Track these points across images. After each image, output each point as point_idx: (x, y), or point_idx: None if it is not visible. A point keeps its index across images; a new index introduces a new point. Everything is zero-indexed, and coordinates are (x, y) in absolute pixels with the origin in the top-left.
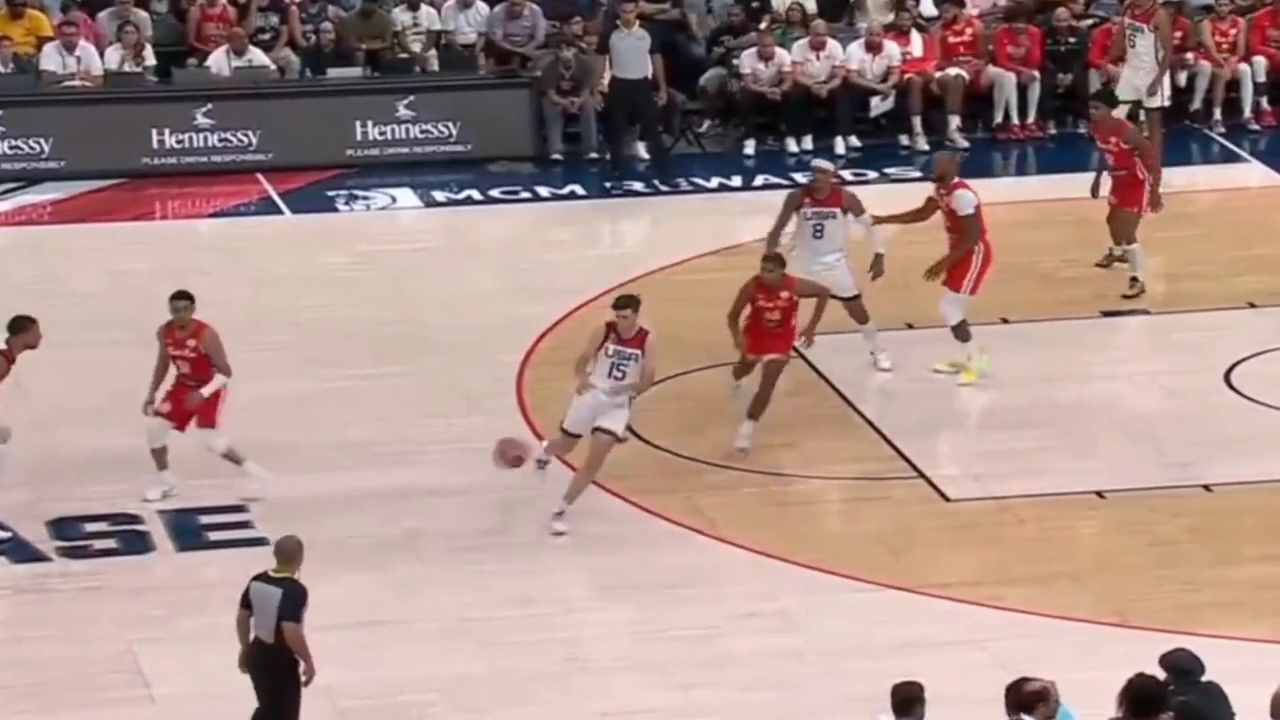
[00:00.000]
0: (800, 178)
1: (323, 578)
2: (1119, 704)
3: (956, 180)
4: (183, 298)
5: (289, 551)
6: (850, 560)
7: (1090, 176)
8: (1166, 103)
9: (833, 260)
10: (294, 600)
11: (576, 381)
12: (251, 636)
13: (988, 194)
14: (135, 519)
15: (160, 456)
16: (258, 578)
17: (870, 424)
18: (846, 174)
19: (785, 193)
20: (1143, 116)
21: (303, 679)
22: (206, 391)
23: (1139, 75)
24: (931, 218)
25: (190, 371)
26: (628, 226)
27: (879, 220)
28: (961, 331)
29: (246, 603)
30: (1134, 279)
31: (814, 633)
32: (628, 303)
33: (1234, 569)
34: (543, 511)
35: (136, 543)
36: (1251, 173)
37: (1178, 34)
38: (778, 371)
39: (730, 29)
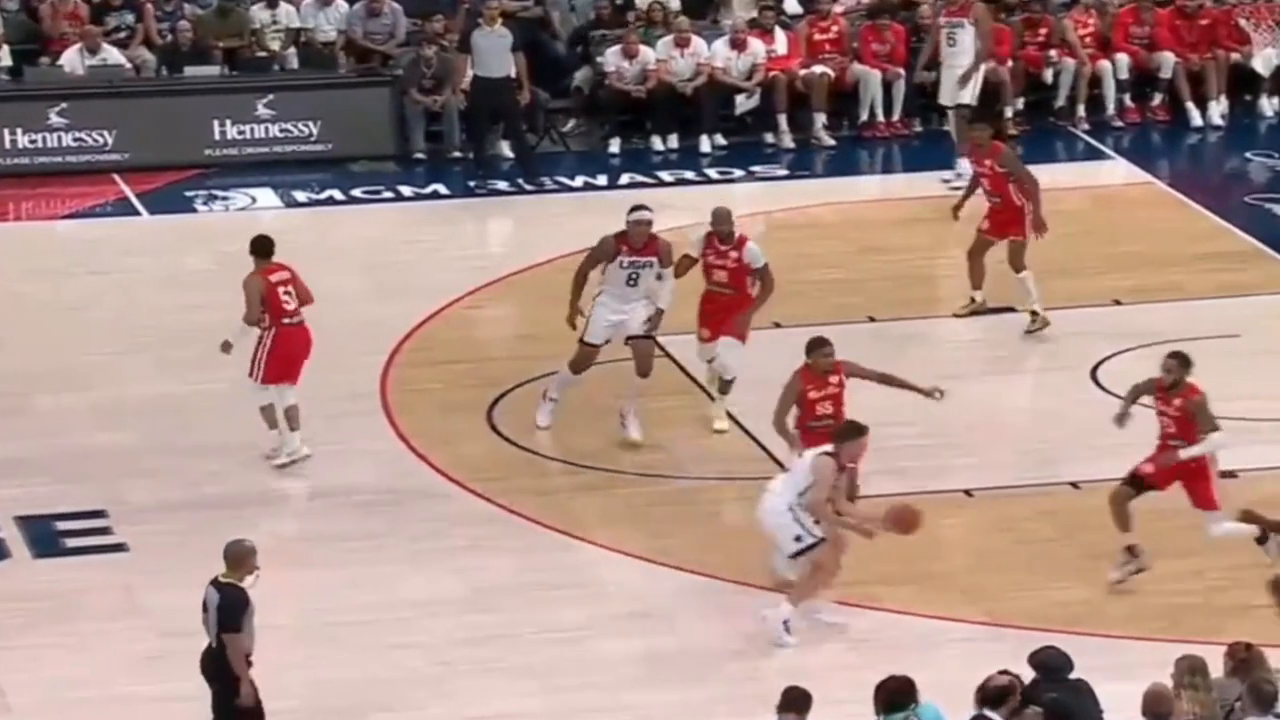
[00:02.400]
0: (666, 175)
1: (188, 583)
2: (977, 703)
3: (740, 234)
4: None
5: (235, 556)
6: (721, 561)
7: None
8: (974, 100)
9: (638, 304)
10: (231, 608)
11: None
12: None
13: (854, 192)
14: None
15: (280, 415)
16: (212, 581)
17: (739, 424)
18: (712, 172)
19: (648, 191)
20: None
21: (238, 701)
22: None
23: (958, 74)
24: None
25: None
26: (493, 226)
27: None
28: (730, 387)
29: (205, 606)
30: (1034, 313)
31: (686, 634)
32: (858, 433)
33: (1102, 566)
34: (409, 514)
35: None
36: (1116, 170)
37: (1042, 30)
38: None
39: (600, 24)
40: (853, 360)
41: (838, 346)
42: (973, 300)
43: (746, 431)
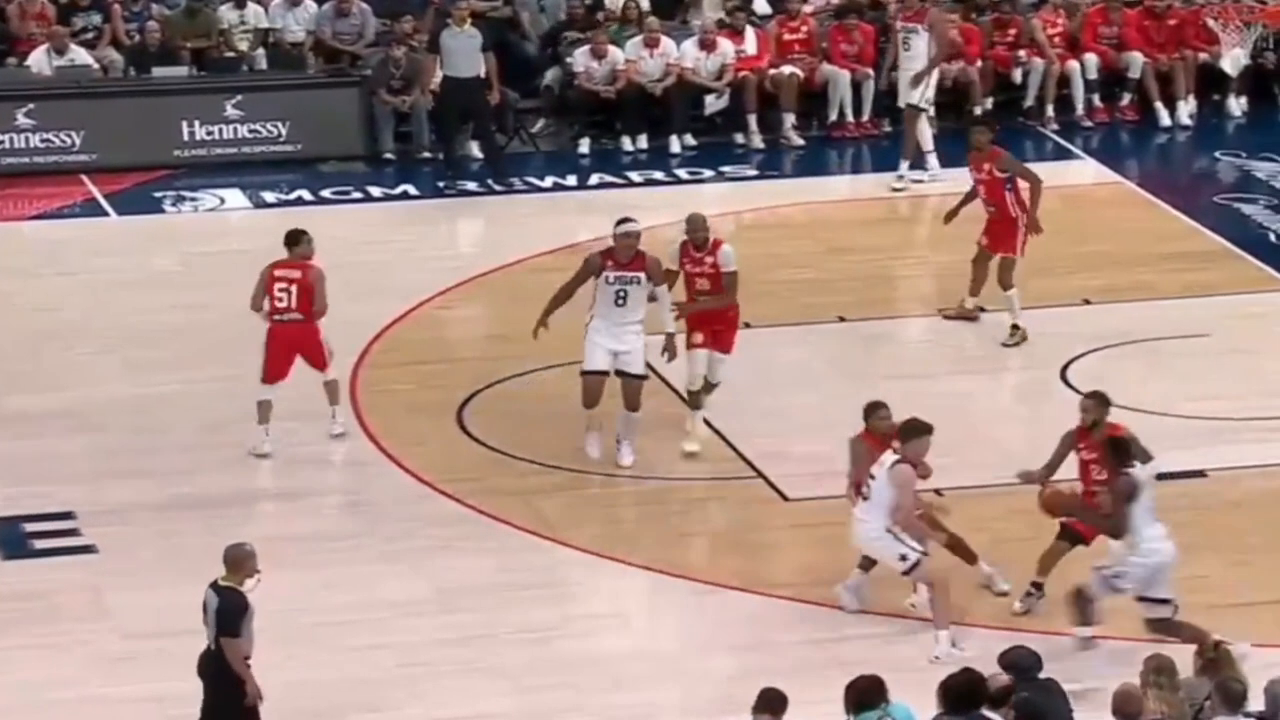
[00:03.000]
0: (636, 176)
1: (158, 585)
2: (939, 701)
3: (714, 238)
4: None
5: (234, 559)
6: (690, 561)
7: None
8: (925, 104)
9: (632, 338)
10: (230, 612)
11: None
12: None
13: (823, 192)
14: None
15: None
16: (211, 584)
17: (708, 424)
18: (682, 172)
19: (618, 191)
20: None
21: (245, 700)
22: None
23: (912, 77)
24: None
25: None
26: (463, 226)
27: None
28: (700, 399)
29: (205, 608)
30: (1014, 326)
31: (654, 634)
32: (922, 431)
33: (1072, 566)
34: (379, 516)
35: None
36: (1085, 170)
37: (1011, 30)
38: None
39: (572, 24)
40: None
41: (808, 346)
42: (962, 304)
43: (716, 432)
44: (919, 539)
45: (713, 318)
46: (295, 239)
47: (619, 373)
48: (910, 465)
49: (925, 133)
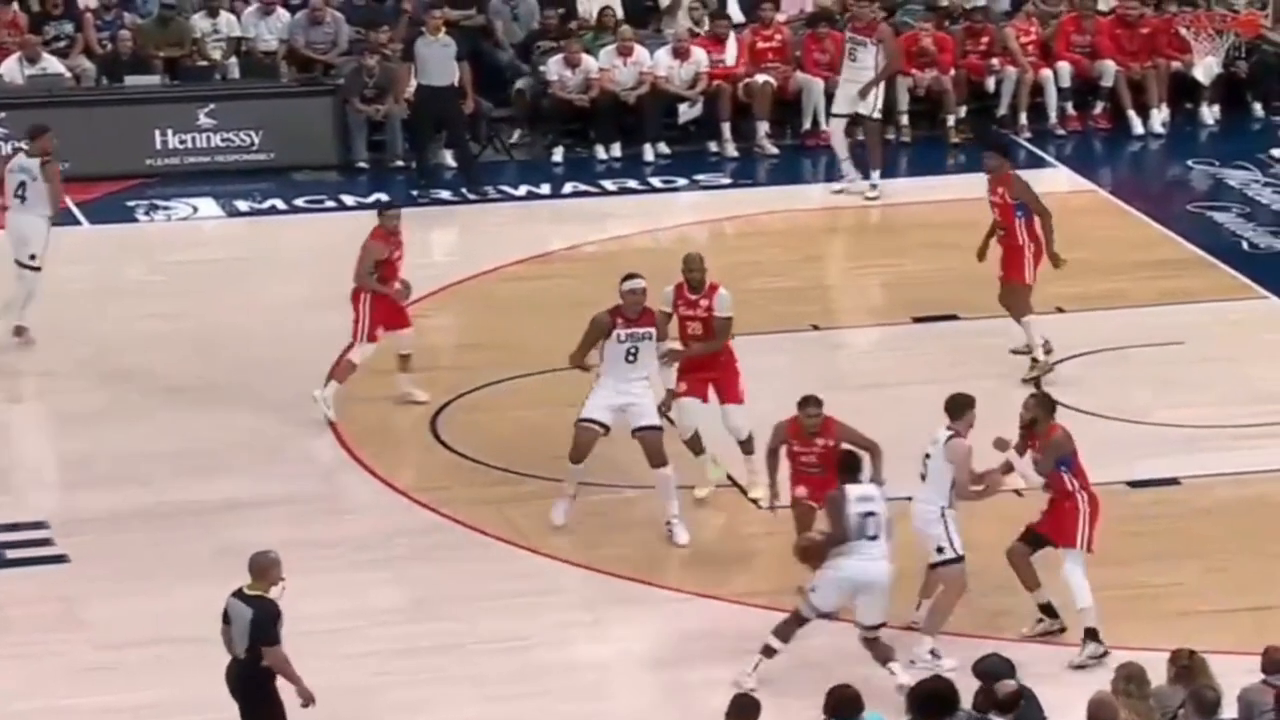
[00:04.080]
0: (610, 184)
1: (129, 594)
2: (908, 708)
3: (711, 281)
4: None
5: (260, 567)
6: (662, 570)
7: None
8: (877, 115)
9: (640, 390)
10: (267, 621)
11: None
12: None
13: (797, 200)
14: None
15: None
16: (235, 593)
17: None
18: (656, 180)
19: (591, 200)
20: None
21: (299, 703)
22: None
23: (857, 89)
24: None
25: None
26: (436, 235)
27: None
28: (699, 443)
29: (226, 618)
30: (1034, 360)
31: (627, 642)
32: (970, 405)
33: (1043, 573)
34: (352, 524)
35: None
36: (1058, 178)
37: (984, 39)
38: (806, 516)
39: (546, 33)
40: (848, 425)
41: (782, 354)
42: (1041, 364)
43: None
44: (961, 543)
45: (701, 364)
46: (379, 209)
47: (634, 432)
48: (963, 439)
49: (843, 143)
